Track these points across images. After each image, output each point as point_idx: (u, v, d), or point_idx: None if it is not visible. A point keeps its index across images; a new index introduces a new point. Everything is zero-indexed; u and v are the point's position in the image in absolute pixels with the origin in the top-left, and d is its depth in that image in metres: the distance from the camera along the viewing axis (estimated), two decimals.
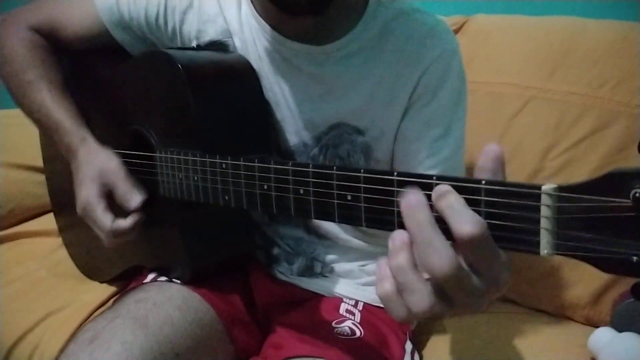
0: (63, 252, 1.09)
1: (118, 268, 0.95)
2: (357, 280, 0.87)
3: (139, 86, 0.81)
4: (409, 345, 0.82)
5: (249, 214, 0.84)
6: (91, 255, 1.03)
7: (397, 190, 0.43)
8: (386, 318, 0.82)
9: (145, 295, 0.75)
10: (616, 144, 1.01)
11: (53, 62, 0.88)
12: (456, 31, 1.20)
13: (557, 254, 0.35)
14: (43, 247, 1.15)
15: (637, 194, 0.31)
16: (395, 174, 0.43)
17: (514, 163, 1.08)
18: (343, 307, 0.83)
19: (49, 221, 1.17)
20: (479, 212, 0.38)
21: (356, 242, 0.86)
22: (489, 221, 0.38)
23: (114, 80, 0.86)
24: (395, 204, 0.43)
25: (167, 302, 0.74)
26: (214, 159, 0.64)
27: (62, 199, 1.07)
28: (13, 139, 1.29)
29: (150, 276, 0.84)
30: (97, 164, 0.78)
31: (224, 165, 0.63)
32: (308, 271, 0.87)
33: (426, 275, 0.40)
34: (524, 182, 0.37)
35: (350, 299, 0.85)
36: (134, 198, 0.75)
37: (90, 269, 1.04)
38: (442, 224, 0.39)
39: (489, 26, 1.20)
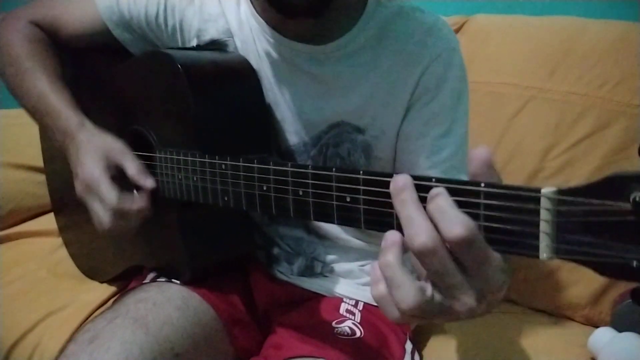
0: (63, 252, 1.09)
1: (118, 268, 0.96)
2: (357, 280, 0.87)
3: (139, 86, 0.81)
4: (409, 345, 0.82)
5: (248, 214, 0.84)
6: (91, 255, 1.03)
7: None
8: (386, 318, 0.82)
9: (145, 296, 0.75)
10: (616, 144, 1.01)
11: (52, 54, 0.87)
12: (456, 31, 1.20)
13: (556, 257, 0.35)
14: (43, 247, 1.16)
15: (637, 198, 0.31)
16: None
17: (514, 163, 1.08)
18: (343, 307, 0.83)
19: (49, 221, 1.17)
20: (477, 215, 0.38)
21: (356, 242, 0.86)
22: (487, 224, 0.38)
23: (114, 80, 0.86)
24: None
25: (167, 302, 0.74)
26: (214, 159, 0.64)
27: (62, 198, 1.07)
28: (13, 139, 1.29)
29: (150, 276, 0.84)
30: (100, 145, 0.75)
31: (223, 166, 0.63)
32: (308, 271, 0.87)
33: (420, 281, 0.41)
34: (523, 185, 0.36)
35: (351, 298, 0.85)
36: (150, 177, 0.73)
37: (91, 269, 1.04)
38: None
39: (489, 26, 1.20)
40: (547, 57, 1.09)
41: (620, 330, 0.84)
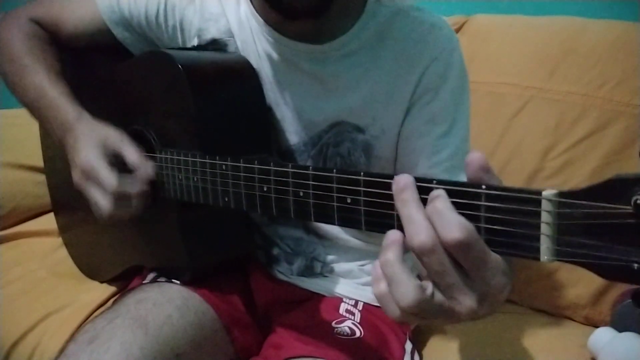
0: (63, 252, 1.09)
1: (118, 268, 0.95)
2: (357, 280, 0.87)
3: (140, 86, 0.81)
4: (409, 345, 0.82)
5: (248, 214, 0.84)
6: (91, 255, 1.03)
7: None
8: (386, 318, 0.82)
9: (145, 296, 0.75)
10: (616, 144, 1.01)
11: (51, 51, 0.87)
12: (456, 31, 1.20)
13: (557, 260, 0.35)
14: (43, 247, 1.15)
15: (638, 201, 0.31)
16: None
17: (514, 163, 1.08)
18: (343, 307, 0.83)
19: (49, 221, 1.17)
20: (478, 217, 0.38)
21: (356, 242, 0.86)
22: (488, 226, 0.38)
23: (114, 80, 0.86)
24: (395, 207, 0.43)
25: (166, 303, 0.74)
26: (214, 159, 0.64)
27: (62, 198, 1.07)
28: (13, 139, 1.29)
29: (150, 276, 0.85)
30: (98, 132, 0.75)
31: (223, 167, 0.63)
32: (308, 271, 0.87)
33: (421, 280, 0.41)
34: (524, 187, 0.36)
35: (350, 298, 0.85)
36: (150, 162, 0.72)
37: (91, 269, 1.04)
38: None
39: (489, 26, 1.20)
40: (547, 57, 1.09)
41: (620, 331, 0.84)
